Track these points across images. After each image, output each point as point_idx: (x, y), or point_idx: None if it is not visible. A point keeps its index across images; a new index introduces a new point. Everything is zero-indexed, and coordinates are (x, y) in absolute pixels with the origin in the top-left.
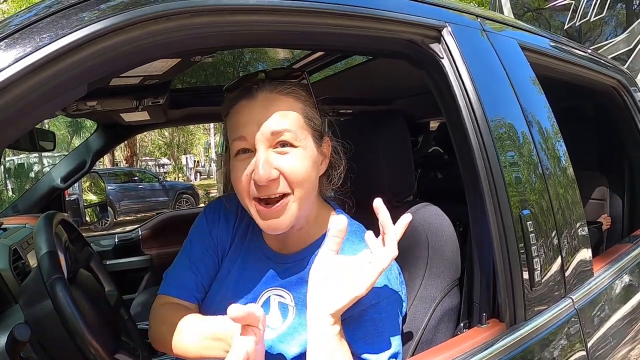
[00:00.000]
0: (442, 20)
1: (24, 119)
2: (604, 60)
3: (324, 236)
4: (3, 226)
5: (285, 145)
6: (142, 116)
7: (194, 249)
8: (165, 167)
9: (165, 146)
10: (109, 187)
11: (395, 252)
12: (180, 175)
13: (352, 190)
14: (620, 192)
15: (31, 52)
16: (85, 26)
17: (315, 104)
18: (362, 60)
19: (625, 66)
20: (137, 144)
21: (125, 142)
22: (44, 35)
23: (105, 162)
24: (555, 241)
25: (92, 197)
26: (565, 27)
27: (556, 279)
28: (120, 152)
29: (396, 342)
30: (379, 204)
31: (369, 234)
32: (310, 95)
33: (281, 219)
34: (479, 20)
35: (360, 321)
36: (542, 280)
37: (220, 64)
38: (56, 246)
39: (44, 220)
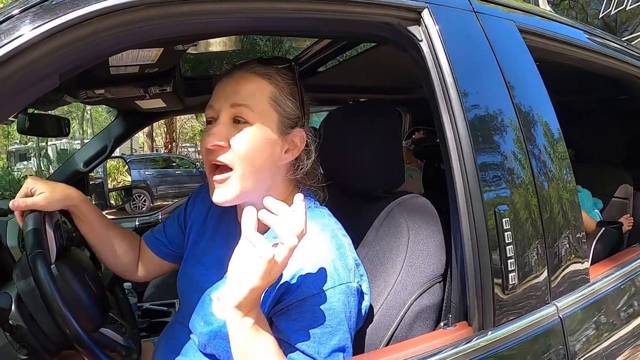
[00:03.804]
0: (422, 0)
1: None
2: (631, 50)
3: None
4: None
5: (240, 120)
6: (157, 103)
7: (169, 219)
8: None
9: None
10: (146, 173)
11: (290, 241)
12: None
13: (341, 178)
14: None
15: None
16: (65, 14)
17: (294, 93)
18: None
19: None
20: (177, 130)
21: (165, 128)
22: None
23: (144, 148)
24: (540, 242)
25: (127, 179)
26: (601, 15)
27: (538, 284)
28: (160, 139)
29: (341, 335)
30: (266, 202)
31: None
32: (289, 84)
33: (222, 191)
34: (469, 0)
35: (300, 311)
36: (519, 285)
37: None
38: (43, 224)
39: None
